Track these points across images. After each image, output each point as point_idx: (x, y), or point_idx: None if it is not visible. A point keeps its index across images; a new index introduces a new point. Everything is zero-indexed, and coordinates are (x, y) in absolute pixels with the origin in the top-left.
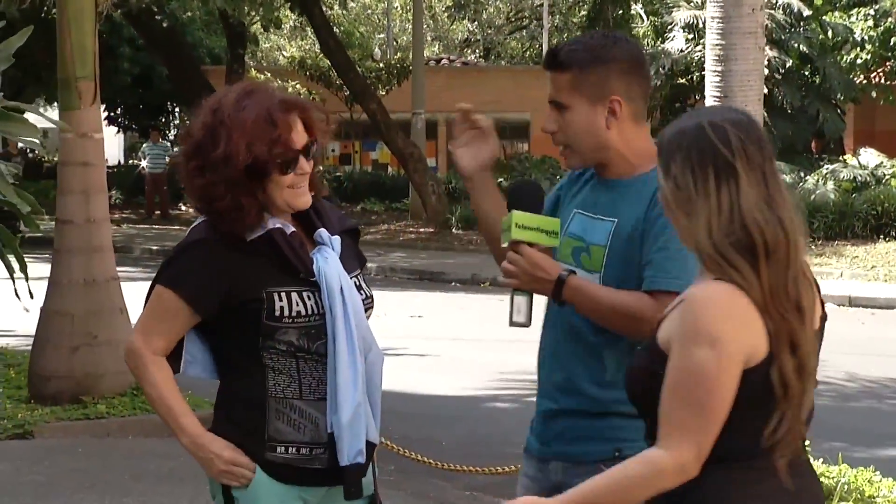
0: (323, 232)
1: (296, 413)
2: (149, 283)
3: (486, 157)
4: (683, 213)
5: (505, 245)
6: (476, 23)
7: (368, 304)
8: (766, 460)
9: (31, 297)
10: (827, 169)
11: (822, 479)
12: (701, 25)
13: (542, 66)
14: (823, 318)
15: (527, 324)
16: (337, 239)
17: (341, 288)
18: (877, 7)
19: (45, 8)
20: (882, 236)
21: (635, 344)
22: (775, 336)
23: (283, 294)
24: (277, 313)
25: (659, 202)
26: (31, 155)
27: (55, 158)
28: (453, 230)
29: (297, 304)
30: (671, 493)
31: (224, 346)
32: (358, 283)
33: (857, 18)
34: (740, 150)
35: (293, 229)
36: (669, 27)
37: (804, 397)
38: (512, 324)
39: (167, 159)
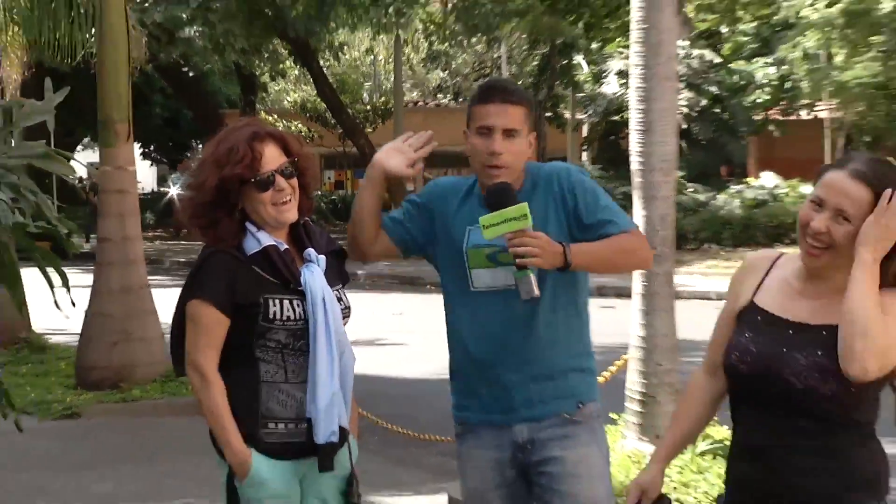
0: (311, 251)
1: (283, 394)
2: (176, 289)
3: (398, 167)
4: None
5: (491, 237)
6: (447, 72)
7: (346, 313)
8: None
9: (73, 305)
10: (734, 189)
11: (726, 442)
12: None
13: (487, 97)
14: None
15: (539, 295)
16: (322, 258)
17: (323, 298)
18: (774, 56)
19: (90, 63)
20: (779, 243)
21: (579, 311)
22: None
23: (276, 300)
24: (271, 316)
25: (562, 180)
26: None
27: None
28: None
29: (288, 310)
30: (865, 462)
31: (226, 344)
32: (339, 295)
33: (757, 66)
34: None
35: (286, 247)
36: (605, 74)
37: None
38: (529, 299)
39: None
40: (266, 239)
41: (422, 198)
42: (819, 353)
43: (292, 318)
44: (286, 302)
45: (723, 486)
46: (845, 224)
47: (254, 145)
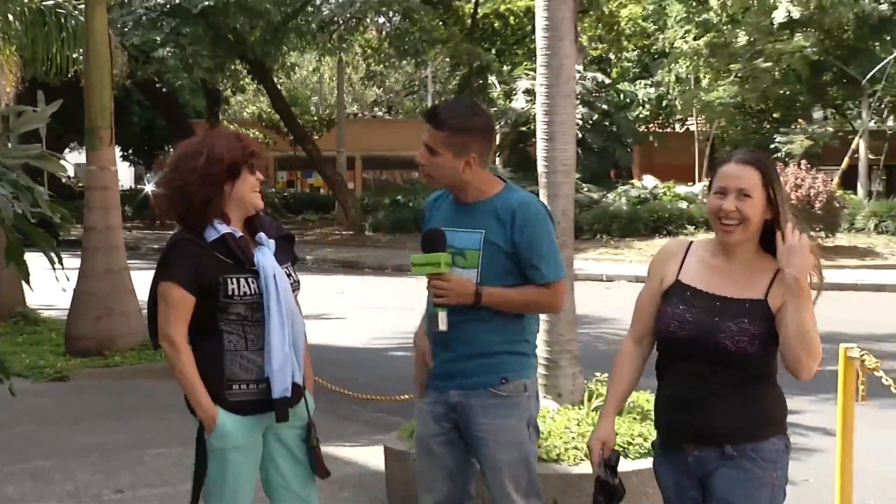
0: (262, 235)
1: (244, 360)
2: (150, 271)
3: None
4: (763, 218)
5: (421, 275)
6: (381, 88)
7: (296, 287)
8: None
9: (68, 279)
10: (621, 189)
11: None
12: (536, 91)
13: (423, 117)
14: None
15: (447, 331)
16: (272, 241)
17: (274, 275)
18: (652, 79)
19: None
20: (657, 234)
21: (514, 317)
22: None
23: (234, 279)
24: (230, 293)
25: (518, 221)
26: (65, 181)
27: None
28: (366, 233)
29: (244, 287)
30: (770, 405)
31: (194, 318)
32: (288, 272)
33: (639, 87)
34: None
35: (241, 234)
36: (514, 92)
37: None
38: (437, 333)
39: None
40: (223, 228)
41: (424, 220)
42: (746, 321)
43: (248, 293)
44: (242, 280)
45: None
46: (748, 199)
47: (244, 139)
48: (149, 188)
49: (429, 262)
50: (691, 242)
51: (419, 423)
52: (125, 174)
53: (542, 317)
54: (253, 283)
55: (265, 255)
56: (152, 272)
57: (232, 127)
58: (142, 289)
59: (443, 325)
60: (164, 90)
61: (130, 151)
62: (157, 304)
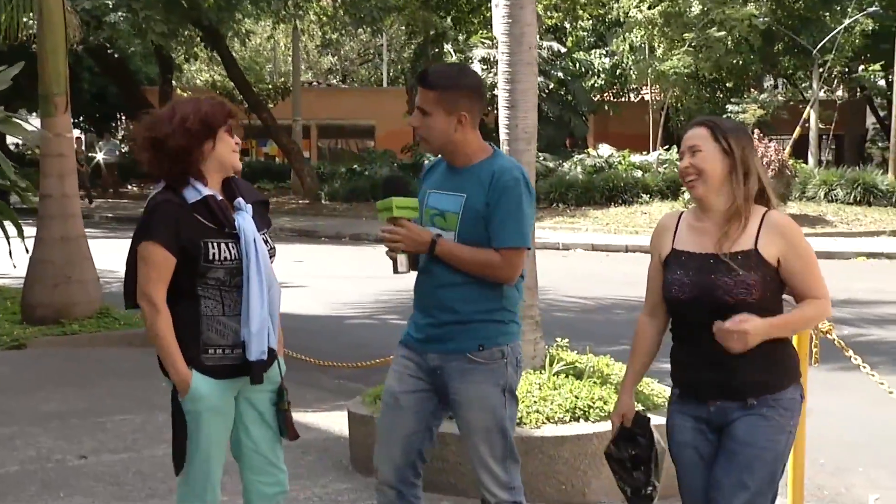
0: (241, 200)
1: (220, 325)
2: (106, 240)
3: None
4: (725, 167)
5: (383, 222)
6: (336, 57)
7: (272, 253)
8: None
9: (27, 251)
10: (577, 158)
11: (576, 364)
12: (492, 59)
13: (415, 81)
14: None
15: (408, 272)
16: (250, 206)
17: (255, 240)
18: (607, 49)
19: (29, 43)
20: (613, 203)
21: (491, 283)
22: None
23: (215, 244)
24: (211, 257)
25: (493, 184)
26: (15, 150)
27: (38, 151)
28: (322, 202)
29: (224, 251)
30: (782, 357)
31: (172, 280)
32: (265, 238)
33: (595, 56)
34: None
35: (221, 197)
36: (470, 61)
37: None
38: (396, 273)
39: (117, 152)
40: (205, 190)
41: (419, 182)
42: (740, 273)
43: (228, 258)
44: (223, 244)
45: (575, 398)
46: (699, 153)
47: (224, 102)
48: (100, 157)
49: (384, 207)
50: (682, 213)
51: (393, 377)
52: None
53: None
54: (233, 247)
55: (245, 220)
56: (109, 240)
57: (185, 94)
58: (98, 257)
59: (402, 268)
60: (115, 56)
61: (81, 119)
62: (137, 264)
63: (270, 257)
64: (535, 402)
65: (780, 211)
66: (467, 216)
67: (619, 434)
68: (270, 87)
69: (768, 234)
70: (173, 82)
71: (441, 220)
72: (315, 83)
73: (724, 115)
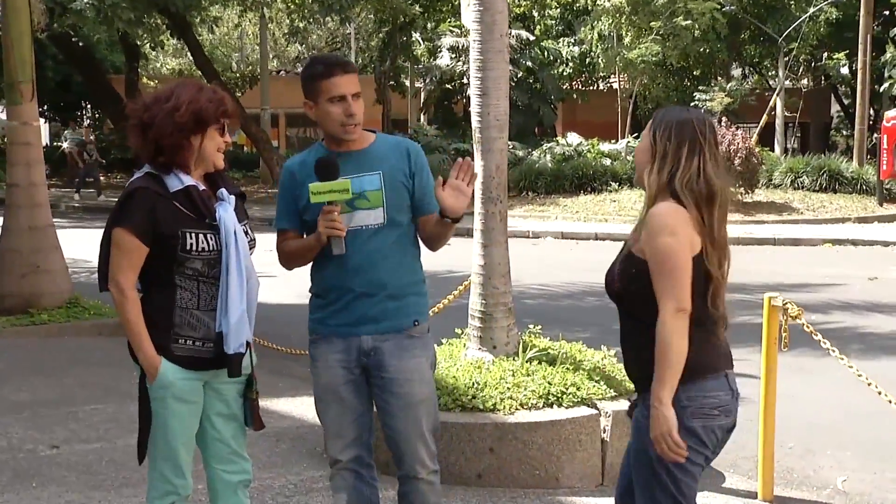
0: (224, 191)
1: (194, 319)
2: (73, 230)
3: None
4: (648, 159)
5: (315, 202)
6: (304, 45)
7: (252, 245)
8: (717, 328)
9: None
10: (546, 146)
11: (549, 351)
12: (461, 47)
13: (337, 71)
14: (729, 262)
15: (343, 253)
16: (232, 198)
17: (235, 231)
18: (576, 37)
19: None
20: (582, 191)
21: (415, 245)
22: (706, 253)
23: (193, 234)
24: (188, 248)
25: (413, 158)
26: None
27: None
28: None
29: (203, 242)
30: (645, 347)
31: (148, 269)
32: (245, 230)
33: (563, 44)
34: (709, 138)
35: (204, 187)
36: (439, 49)
37: (721, 290)
38: (335, 253)
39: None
40: (187, 179)
41: (284, 187)
42: (620, 261)
43: (207, 249)
44: (201, 235)
45: (548, 384)
46: (639, 144)
47: (226, 97)
48: (66, 146)
49: (332, 189)
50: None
51: (324, 372)
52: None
53: (476, 269)
54: (212, 238)
55: (227, 211)
56: (76, 230)
57: (152, 84)
58: (67, 246)
59: (339, 250)
60: (80, 44)
61: (45, 108)
62: (109, 249)
63: (250, 249)
64: (508, 388)
65: (671, 203)
66: (389, 189)
67: None
68: (238, 75)
69: (644, 225)
70: (139, 71)
71: (363, 202)
72: (283, 71)
73: (692, 104)
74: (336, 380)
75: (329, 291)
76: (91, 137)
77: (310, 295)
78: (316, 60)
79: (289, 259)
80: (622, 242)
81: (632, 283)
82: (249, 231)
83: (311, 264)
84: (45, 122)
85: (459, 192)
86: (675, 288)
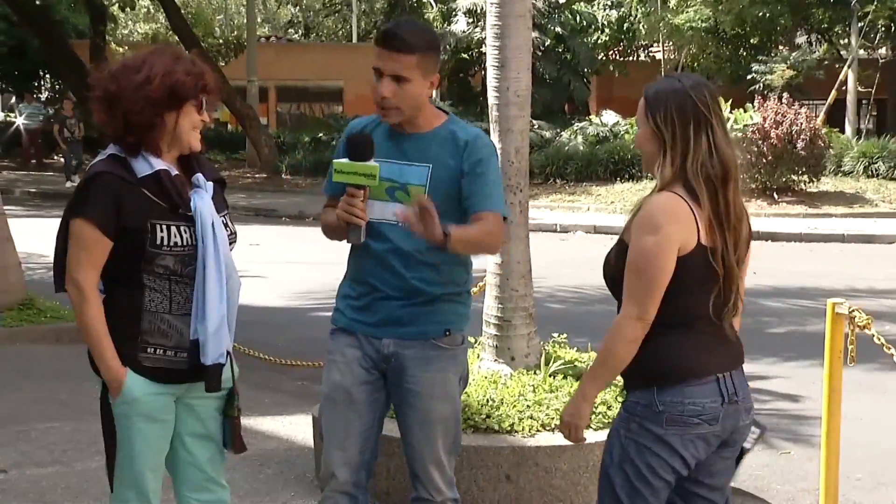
0: (200, 176)
1: (165, 324)
2: (29, 219)
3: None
4: (655, 149)
5: (338, 181)
6: (298, 7)
7: (233, 239)
8: (711, 324)
9: None
10: (577, 126)
11: (575, 363)
12: (479, 11)
13: (381, 43)
14: (749, 232)
15: (360, 243)
16: (210, 184)
17: (213, 223)
18: None
19: None
20: (618, 178)
21: (457, 260)
22: (719, 235)
23: (164, 226)
24: (158, 242)
25: (469, 151)
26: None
27: None
28: (283, 175)
29: (175, 236)
30: (638, 358)
31: (112, 266)
32: (225, 221)
33: (598, 8)
34: (713, 108)
35: (177, 172)
36: (454, 13)
37: (737, 281)
38: (351, 241)
39: (41, 117)
40: (158, 163)
41: (337, 153)
42: (611, 247)
43: (180, 243)
44: (174, 228)
45: None
46: (638, 132)
47: (207, 70)
48: (20, 121)
49: (358, 172)
50: None
51: (338, 370)
52: None
53: (492, 270)
54: (186, 231)
55: (203, 200)
56: (32, 220)
57: (121, 50)
58: (20, 239)
59: (354, 239)
60: (37, 3)
61: None
62: (67, 242)
63: (231, 244)
64: (528, 406)
65: (670, 195)
66: (436, 188)
67: None
68: (221, 42)
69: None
70: (107, 36)
71: (402, 195)
72: (273, 38)
73: (749, 76)
74: (352, 378)
75: (356, 283)
76: (72, 111)
77: (341, 282)
78: (388, 25)
79: (326, 230)
80: None
81: (620, 270)
82: (229, 223)
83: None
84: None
85: (421, 223)
86: (640, 293)
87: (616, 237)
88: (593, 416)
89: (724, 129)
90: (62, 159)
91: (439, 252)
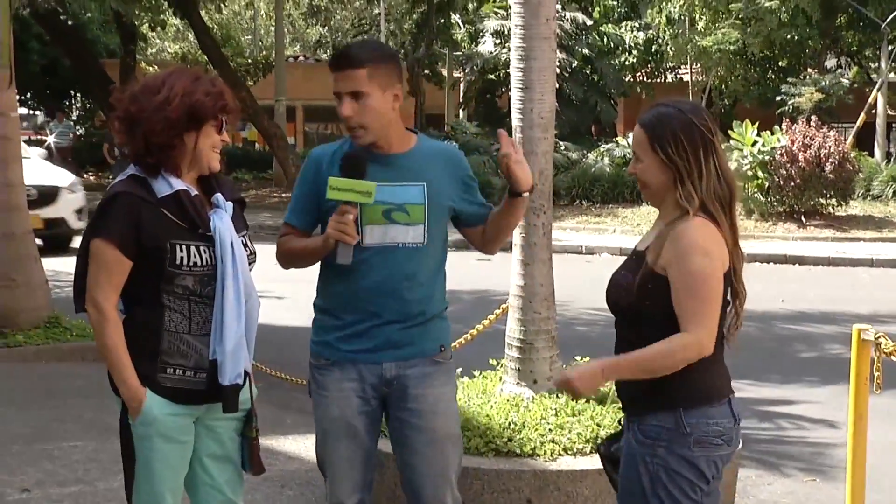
0: (219, 196)
1: (184, 345)
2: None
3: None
4: (667, 179)
5: (332, 198)
6: (326, 27)
7: (252, 259)
8: (722, 344)
9: None
10: (604, 148)
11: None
12: (507, 32)
13: (332, 68)
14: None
15: (348, 263)
16: (230, 204)
17: (232, 243)
18: (641, 21)
19: None
20: (644, 201)
21: (443, 275)
22: (731, 257)
23: (183, 246)
24: (178, 262)
25: (456, 168)
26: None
27: None
28: None
29: (195, 256)
30: (661, 379)
31: (131, 286)
32: (244, 241)
33: (626, 29)
34: (713, 130)
35: (196, 192)
36: (481, 33)
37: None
38: (340, 261)
39: (70, 135)
40: (178, 183)
41: (303, 182)
42: (624, 271)
43: (199, 263)
44: (193, 248)
45: (597, 426)
46: (639, 163)
47: (226, 90)
48: (51, 139)
49: (354, 189)
50: None
51: (336, 404)
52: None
53: (515, 292)
54: (206, 251)
55: (223, 220)
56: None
57: (150, 69)
58: (49, 257)
59: (345, 260)
60: (69, 23)
61: (29, 95)
62: (88, 263)
63: (250, 264)
64: (550, 430)
65: (703, 220)
66: (433, 204)
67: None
68: (250, 61)
69: (668, 238)
70: (137, 55)
71: (402, 215)
72: (302, 57)
73: (778, 98)
74: (349, 411)
75: (345, 312)
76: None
77: (314, 310)
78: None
79: (288, 258)
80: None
81: (647, 299)
82: (249, 243)
83: (319, 274)
84: (29, 112)
85: (520, 163)
86: (706, 317)
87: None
88: (588, 441)
89: (723, 151)
90: (90, 177)
91: (436, 273)
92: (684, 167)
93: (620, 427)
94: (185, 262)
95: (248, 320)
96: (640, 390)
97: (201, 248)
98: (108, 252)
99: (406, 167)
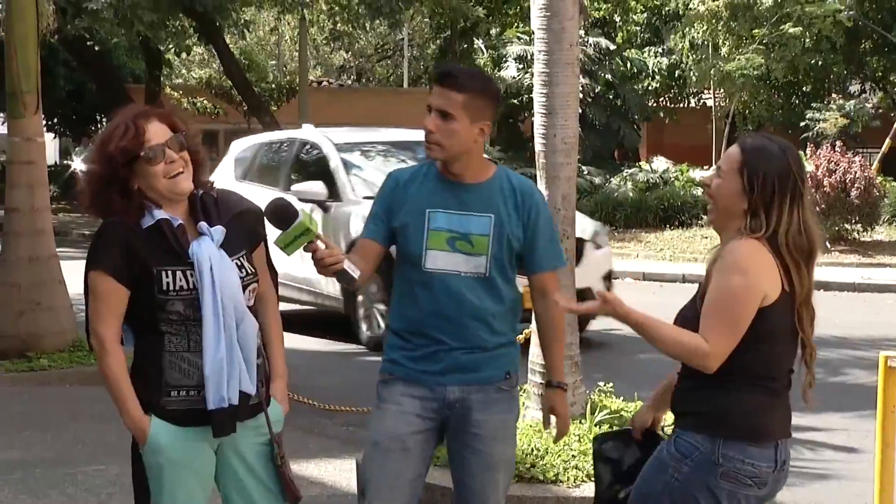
0: (203, 224)
1: (185, 363)
2: (83, 261)
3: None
4: (738, 207)
5: (291, 254)
6: (350, 52)
7: (250, 280)
8: (783, 382)
9: None
10: (627, 173)
11: (622, 413)
12: (529, 57)
13: (434, 80)
14: None
15: (355, 281)
16: (218, 229)
17: (211, 268)
18: (664, 46)
19: None
20: (668, 225)
21: (512, 306)
22: (800, 311)
23: (169, 272)
24: (165, 287)
25: (528, 205)
26: None
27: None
28: None
29: (181, 280)
30: (712, 402)
31: (133, 316)
32: (240, 263)
33: (649, 55)
34: (805, 179)
35: (181, 221)
36: (504, 58)
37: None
38: (349, 287)
39: None
40: (160, 214)
41: (384, 198)
42: (686, 303)
43: (186, 287)
44: (179, 272)
45: None
46: (717, 180)
47: (138, 122)
48: (77, 164)
49: (295, 235)
50: None
51: (393, 418)
52: (49, 147)
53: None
54: (192, 276)
55: (202, 246)
56: (84, 262)
57: (176, 95)
58: (73, 280)
59: (346, 283)
60: (96, 49)
61: (56, 120)
62: (87, 297)
63: (248, 285)
64: (573, 456)
65: (757, 242)
66: (498, 237)
67: (620, 435)
68: (274, 86)
69: (720, 253)
70: (162, 80)
71: (465, 245)
72: (325, 82)
73: (802, 124)
74: (406, 427)
75: (413, 336)
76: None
77: (388, 331)
78: (444, 66)
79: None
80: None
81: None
82: (246, 265)
83: (391, 296)
84: (55, 137)
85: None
86: (722, 337)
87: (663, 284)
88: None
89: (810, 204)
90: None
91: (500, 304)
92: (761, 204)
93: (620, 428)
94: (171, 287)
95: (245, 343)
96: (690, 406)
97: (187, 272)
98: (102, 282)
99: (477, 198)
